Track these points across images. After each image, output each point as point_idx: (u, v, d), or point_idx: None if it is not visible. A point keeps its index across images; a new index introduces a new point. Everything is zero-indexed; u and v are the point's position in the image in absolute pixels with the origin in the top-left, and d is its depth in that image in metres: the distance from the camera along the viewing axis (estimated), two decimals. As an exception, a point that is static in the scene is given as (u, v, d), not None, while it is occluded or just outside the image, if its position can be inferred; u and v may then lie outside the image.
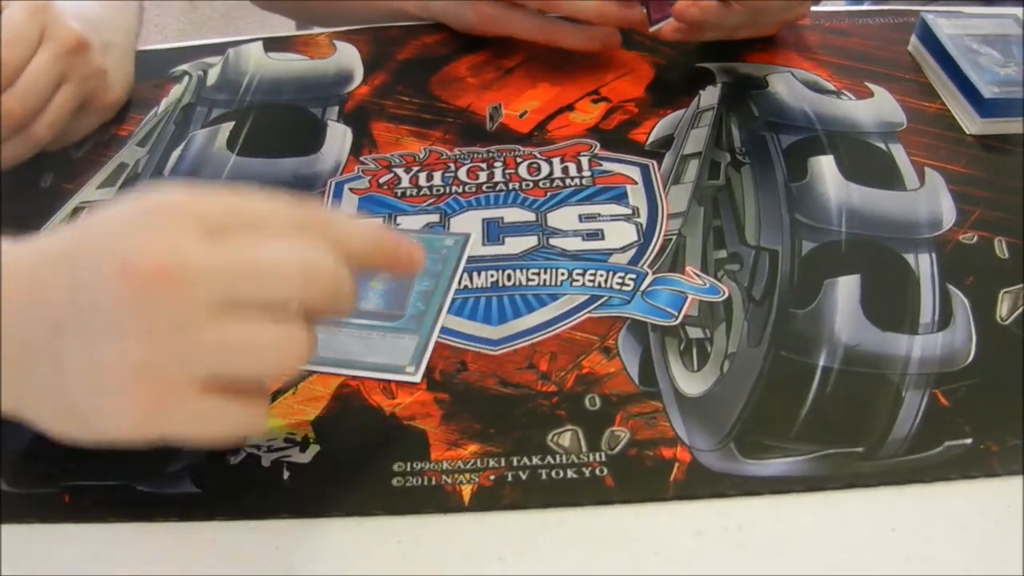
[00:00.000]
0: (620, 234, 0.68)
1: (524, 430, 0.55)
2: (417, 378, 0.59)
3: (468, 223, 0.69)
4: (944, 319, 0.60)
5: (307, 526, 0.52)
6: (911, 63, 0.86)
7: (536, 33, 0.86)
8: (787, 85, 0.83)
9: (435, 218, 0.70)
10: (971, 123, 0.76)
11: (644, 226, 0.68)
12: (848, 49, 0.88)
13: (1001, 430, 0.54)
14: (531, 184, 0.73)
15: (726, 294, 0.63)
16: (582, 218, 0.69)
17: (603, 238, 0.67)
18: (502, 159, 0.76)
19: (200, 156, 0.79)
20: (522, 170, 0.74)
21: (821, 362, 0.58)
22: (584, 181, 0.73)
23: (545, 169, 0.74)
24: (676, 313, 0.62)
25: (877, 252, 0.65)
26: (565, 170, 0.74)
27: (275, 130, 0.82)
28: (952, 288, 0.62)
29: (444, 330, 0.62)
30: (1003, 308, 0.61)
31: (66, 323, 0.44)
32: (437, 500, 0.52)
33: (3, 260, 0.46)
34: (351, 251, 0.48)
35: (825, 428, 0.54)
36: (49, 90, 0.74)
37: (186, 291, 0.43)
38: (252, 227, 0.47)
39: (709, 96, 0.82)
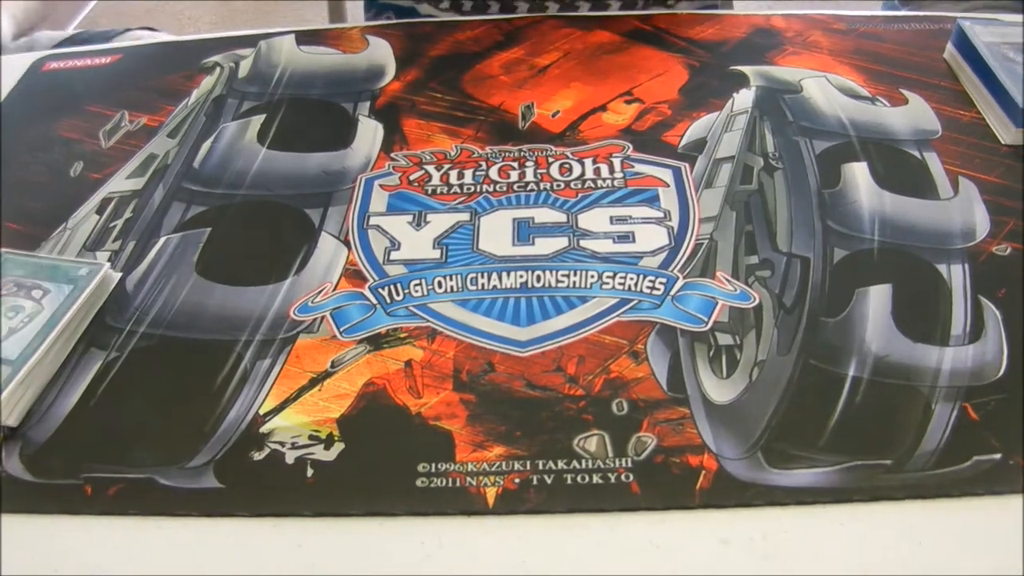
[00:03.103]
0: (651, 237, 0.67)
1: (550, 433, 0.55)
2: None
3: (498, 222, 0.69)
4: (975, 331, 0.60)
5: (330, 525, 0.52)
6: (947, 70, 0.85)
7: None
8: (821, 90, 0.82)
9: (465, 216, 0.70)
10: (1006, 133, 0.76)
11: (675, 230, 0.68)
12: (883, 55, 0.88)
13: (1031, 446, 0.53)
14: (562, 184, 0.72)
15: (757, 301, 0.62)
16: (613, 220, 0.69)
17: (634, 241, 0.67)
18: (534, 159, 0.75)
19: (230, 148, 0.79)
20: (554, 170, 0.74)
21: (851, 372, 0.57)
22: (616, 183, 0.72)
23: (577, 170, 0.74)
24: (706, 319, 0.61)
25: (909, 262, 0.65)
26: (597, 171, 0.73)
27: (306, 124, 0.82)
28: (984, 300, 0.62)
29: (471, 330, 0.61)
30: (1035, 322, 0.61)
31: None
32: (461, 502, 0.52)
33: None
34: None
35: (853, 439, 0.54)
36: None
37: None
38: None
39: (743, 99, 0.81)
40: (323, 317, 0.63)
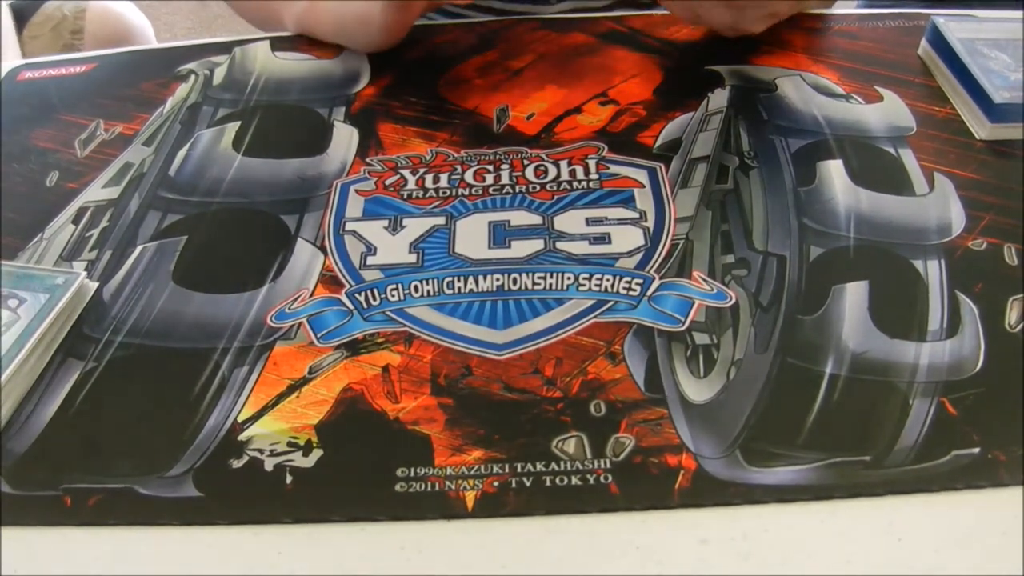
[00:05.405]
0: (627, 238, 0.67)
1: (528, 436, 0.55)
2: None
3: (474, 226, 0.69)
4: (953, 327, 0.60)
5: (309, 531, 0.52)
6: (921, 67, 0.85)
7: None
8: (796, 88, 0.82)
9: (441, 220, 0.70)
10: (981, 128, 0.76)
11: (651, 230, 0.68)
12: (858, 52, 0.88)
13: (1009, 440, 0.53)
14: (538, 187, 0.72)
15: (733, 300, 0.62)
16: (589, 222, 0.69)
17: (610, 242, 0.67)
18: (509, 161, 0.75)
19: (206, 156, 0.78)
20: (529, 172, 0.74)
21: (828, 369, 0.57)
22: (591, 184, 0.72)
23: (552, 172, 0.74)
24: (683, 319, 0.61)
25: (885, 258, 0.65)
26: (572, 173, 0.73)
27: (281, 130, 0.82)
28: (961, 295, 0.62)
29: (448, 334, 0.61)
30: (1012, 316, 0.61)
31: None
32: (441, 506, 0.52)
33: None
34: None
35: (832, 436, 0.54)
36: None
37: None
38: None
39: (718, 99, 0.81)
40: (300, 323, 0.62)
